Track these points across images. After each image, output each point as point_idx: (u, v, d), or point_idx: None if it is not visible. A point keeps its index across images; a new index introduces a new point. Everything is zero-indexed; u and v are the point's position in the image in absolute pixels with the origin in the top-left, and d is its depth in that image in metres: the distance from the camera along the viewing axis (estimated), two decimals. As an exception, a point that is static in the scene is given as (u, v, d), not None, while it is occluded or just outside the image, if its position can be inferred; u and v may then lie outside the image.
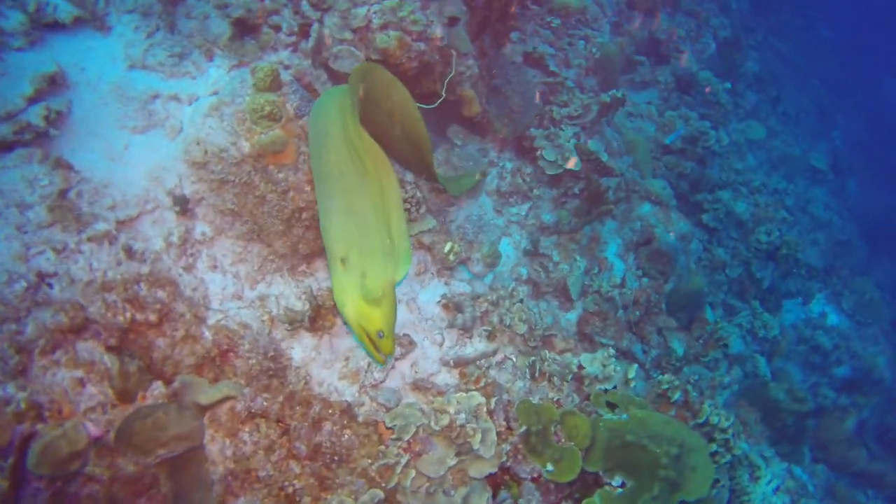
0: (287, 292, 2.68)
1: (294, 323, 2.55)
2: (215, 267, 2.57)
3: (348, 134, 2.34)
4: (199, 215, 2.59)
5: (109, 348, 1.96)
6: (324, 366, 2.56)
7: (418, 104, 2.69)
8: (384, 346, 2.19)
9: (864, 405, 5.66)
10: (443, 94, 2.94)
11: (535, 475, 2.40)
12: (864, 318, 6.61)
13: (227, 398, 2.12)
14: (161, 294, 2.20)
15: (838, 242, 7.44)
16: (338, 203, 2.33)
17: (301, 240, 2.67)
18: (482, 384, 2.39)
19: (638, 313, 3.83)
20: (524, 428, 2.31)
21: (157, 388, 1.98)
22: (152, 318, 2.09)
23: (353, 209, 2.31)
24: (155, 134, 2.58)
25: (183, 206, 2.54)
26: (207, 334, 2.29)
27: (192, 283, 2.47)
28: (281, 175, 2.63)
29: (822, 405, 5.44)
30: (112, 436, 1.76)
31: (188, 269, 2.48)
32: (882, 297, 7.01)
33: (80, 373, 1.81)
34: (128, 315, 2.05)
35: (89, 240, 2.19)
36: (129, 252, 2.29)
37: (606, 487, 2.36)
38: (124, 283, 2.12)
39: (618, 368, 2.64)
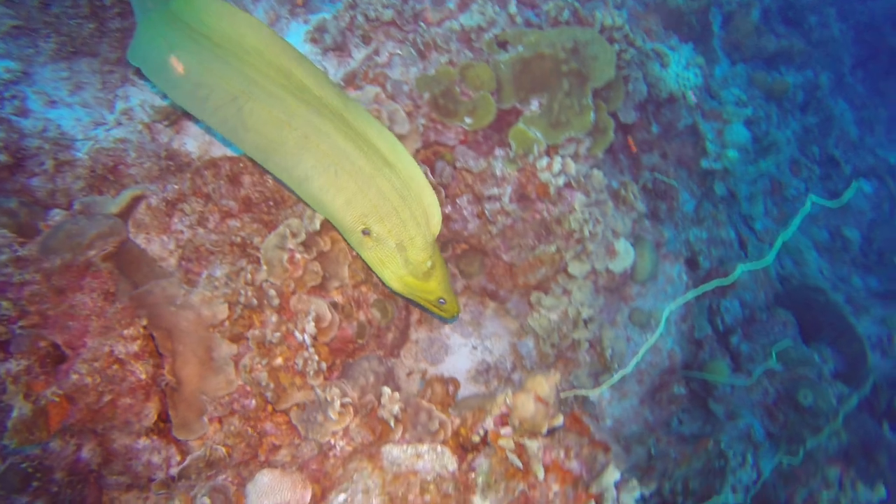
0: (147, 97, 2.46)
1: (170, 116, 2.38)
2: (54, 102, 2.32)
3: None
4: (-8, 53, 2.25)
5: (-21, 200, 1.84)
6: (224, 146, 2.46)
7: None
8: (449, 309, 2.04)
9: (763, -8, 5.73)
10: None
11: (462, 138, 2.46)
12: None
13: (136, 199, 2.05)
14: (-3, 135, 2.00)
15: None
16: (303, 152, 1.77)
17: (125, 32, 2.37)
18: (371, 77, 2.32)
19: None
20: (427, 94, 2.29)
21: (57, 214, 1.90)
22: (3, 158, 1.92)
23: (334, 154, 1.75)
24: None
25: (-33, 50, 2.20)
26: (84, 157, 2.15)
27: (36, 126, 2.23)
28: (51, -34, 2.23)
29: (729, 10, 5.50)
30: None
31: (21, 113, 2.22)
32: None
33: (-42, 225, 1.71)
34: (-26, 166, 1.88)
35: None
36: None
37: (526, 113, 2.43)
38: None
39: (497, 9, 2.55)
